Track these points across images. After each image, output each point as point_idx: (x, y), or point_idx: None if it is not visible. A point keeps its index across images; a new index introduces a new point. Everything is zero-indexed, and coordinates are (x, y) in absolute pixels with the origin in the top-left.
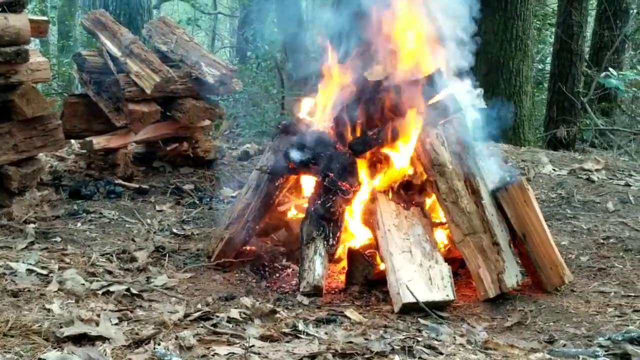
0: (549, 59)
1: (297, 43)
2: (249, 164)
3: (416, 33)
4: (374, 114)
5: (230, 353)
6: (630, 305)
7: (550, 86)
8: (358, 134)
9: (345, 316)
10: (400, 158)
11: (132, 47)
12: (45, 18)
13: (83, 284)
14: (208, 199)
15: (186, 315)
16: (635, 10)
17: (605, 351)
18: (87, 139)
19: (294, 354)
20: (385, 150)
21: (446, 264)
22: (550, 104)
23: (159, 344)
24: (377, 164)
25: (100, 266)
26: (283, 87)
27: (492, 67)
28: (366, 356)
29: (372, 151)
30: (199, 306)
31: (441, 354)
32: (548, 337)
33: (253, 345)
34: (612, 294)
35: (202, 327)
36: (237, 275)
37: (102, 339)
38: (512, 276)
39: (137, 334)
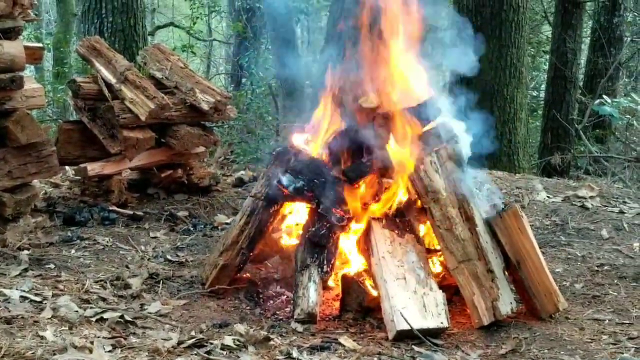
0: (543, 86)
1: (291, 70)
2: (243, 191)
3: (409, 61)
4: (369, 141)
5: None
6: (624, 333)
7: (545, 113)
8: (352, 161)
9: (340, 343)
10: (395, 185)
11: (126, 73)
12: (40, 45)
13: (77, 311)
14: (202, 226)
15: (180, 343)
16: (629, 38)
17: None
18: (82, 165)
19: None
20: (380, 177)
21: (440, 291)
22: (544, 131)
23: None
24: (372, 191)
25: (94, 293)
26: (278, 114)
27: (486, 95)
28: None
29: (367, 178)
30: (193, 333)
31: None
32: None
33: None
34: (607, 321)
35: (195, 354)
36: (231, 302)
37: None
38: (507, 303)
39: None
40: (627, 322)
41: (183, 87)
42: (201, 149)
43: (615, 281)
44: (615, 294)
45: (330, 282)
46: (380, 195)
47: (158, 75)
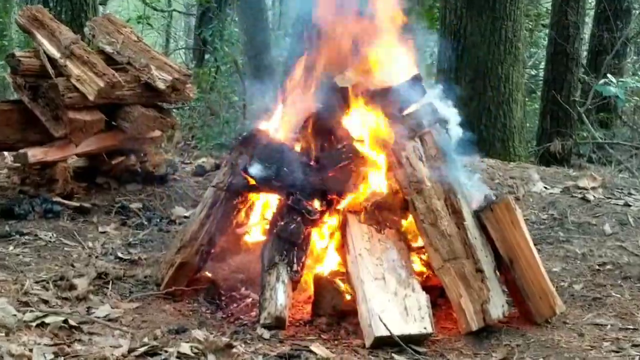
0: (542, 64)
1: (260, 45)
2: (204, 180)
3: (390, 39)
4: (345, 124)
5: None
6: (628, 339)
7: (544, 94)
8: (326, 147)
9: (311, 351)
10: (374, 174)
11: (72, 47)
12: None
13: (14, 315)
14: (158, 220)
15: (130, 350)
16: (638, 11)
17: None
18: (22, 151)
19: None
20: (357, 165)
21: (424, 292)
22: (543, 114)
23: None
24: (348, 180)
25: (35, 295)
26: (245, 95)
27: (479, 73)
28: None
29: (342, 166)
30: (146, 340)
31: None
32: None
33: None
34: (609, 326)
35: None
36: (189, 305)
37: None
38: (498, 306)
39: None
40: (631, 327)
41: (137, 63)
42: (157, 133)
43: (619, 282)
44: (619, 296)
45: (302, 283)
46: (357, 186)
47: (108, 49)
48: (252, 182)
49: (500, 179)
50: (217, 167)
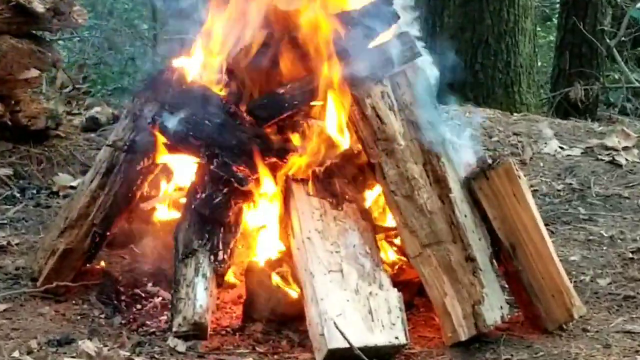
0: None
1: None
2: (98, 138)
3: None
4: (287, 62)
5: None
6: None
7: (561, 22)
8: (262, 92)
9: None
10: (327, 129)
11: None
12: None
13: None
14: (34, 191)
15: None
16: None
17: None
18: None
19: None
20: (304, 117)
21: (395, 289)
22: (560, 48)
23: None
24: (292, 138)
25: None
26: (155, 22)
27: None
28: None
29: (284, 118)
30: (16, 355)
31: None
32: None
33: None
34: None
35: None
36: (77, 306)
37: None
38: (495, 308)
39: None
40: None
41: None
42: (34, 72)
43: None
44: None
45: (230, 277)
46: (305, 145)
47: None
48: (163, 139)
49: (500, 135)
50: (116, 119)
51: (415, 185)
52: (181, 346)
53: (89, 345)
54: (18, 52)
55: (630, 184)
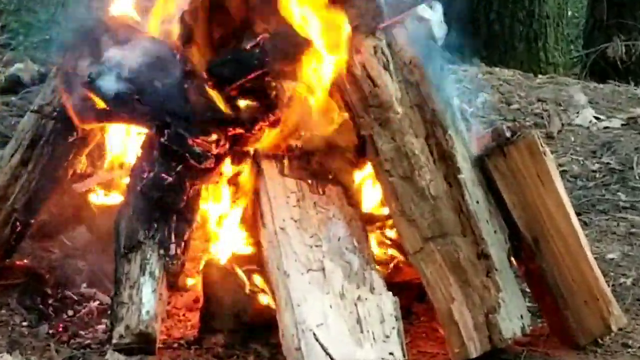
0: None
1: None
2: (20, 102)
3: None
4: (256, 9)
5: None
6: None
7: None
8: (226, 47)
9: None
10: (306, 94)
11: None
12: None
13: None
14: None
15: None
16: None
17: None
18: None
19: None
20: (277, 78)
21: (390, 293)
22: None
23: None
24: (263, 103)
25: None
26: None
27: None
28: None
29: (252, 79)
30: None
31: None
32: None
33: None
34: None
35: None
36: None
37: None
38: (513, 317)
39: None
40: None
41: None
42: None
43: None
44: None
45: (184, 277)
46: (279, 113)
47: None
48: (101, 103)
49: (521, 102)
50: (42, 78)
51: (416, 164)
52: None
53: None
54: None
55: None
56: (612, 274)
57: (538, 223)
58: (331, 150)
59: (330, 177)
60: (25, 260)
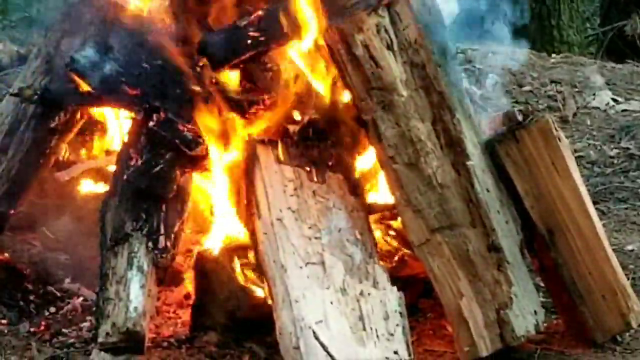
0: None
1: None
2: None
3: None
4: None
5: None
6: None
7: None
8: (219, 26)
9: None
10: (305, 74)
11: None
12: None
13: None
14: None
15: None
16: None
17: None
18: None
19: None
20: (273, 59)
21: (395, 288)
22: None
23: None
24: (258, 85)
25: None
26: None
27: None
28: None
29: (247, 60)
30: None
31: None
32: None
33: None
34: None
35: None
36: None
37: None
38: (527, 314)
39: None
40: None
41: None
42: None
43: None
44: None
45: (174, 271)
46: (275, 96)
47: None
48: (85, 86)
49: (534, 84)
50: (22, 60)
51: (422, 150)
52: None
53: None
54: None
55: None
56: (631, 266)
57: (552, 213)
58: (329, 136)
59: (329, 164)
60: (5, 254)
